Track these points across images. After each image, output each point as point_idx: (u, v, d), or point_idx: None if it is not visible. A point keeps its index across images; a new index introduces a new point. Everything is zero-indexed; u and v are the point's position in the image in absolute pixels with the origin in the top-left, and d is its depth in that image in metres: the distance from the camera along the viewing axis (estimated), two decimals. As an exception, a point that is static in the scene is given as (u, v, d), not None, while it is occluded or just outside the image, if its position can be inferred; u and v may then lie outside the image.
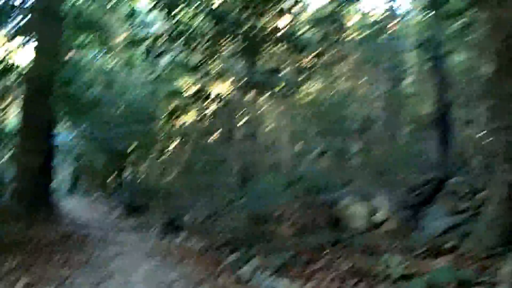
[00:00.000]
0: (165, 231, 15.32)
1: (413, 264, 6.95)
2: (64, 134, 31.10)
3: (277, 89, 17.20)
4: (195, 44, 15.64)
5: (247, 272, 8.46)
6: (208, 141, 27.65)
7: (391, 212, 10.08)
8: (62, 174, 37.02)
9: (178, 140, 25.98)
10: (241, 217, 11.87)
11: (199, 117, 25.82)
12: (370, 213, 10.04)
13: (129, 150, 26.34)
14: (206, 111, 24.27)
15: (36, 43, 14.04)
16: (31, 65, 13.56)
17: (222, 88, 21.28)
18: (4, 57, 14.19)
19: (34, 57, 13.60)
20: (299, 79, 18.74)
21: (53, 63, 13.57)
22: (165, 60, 25.88)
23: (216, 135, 25.97)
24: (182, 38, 14.70)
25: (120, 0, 22.69)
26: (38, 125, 12.99)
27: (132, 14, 17.82)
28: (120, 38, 26.64)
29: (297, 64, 16.34)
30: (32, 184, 12.71)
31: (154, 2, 14.74)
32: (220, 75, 18.42)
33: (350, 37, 21.70)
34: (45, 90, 13.21)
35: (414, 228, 9.61)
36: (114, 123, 25.23)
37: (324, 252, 8.50)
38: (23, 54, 15.45)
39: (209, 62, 16.02)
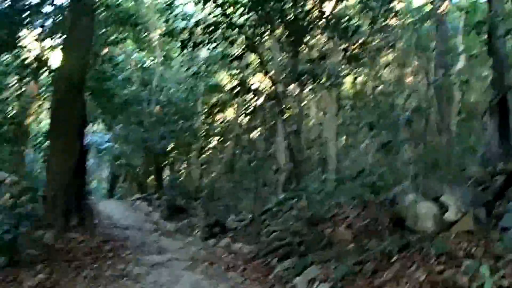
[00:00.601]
0: (208, 234, 14.47)
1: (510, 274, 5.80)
2: (101, 134, 30.85)
3: (322, 79, 16.12)
4: (234, 35, 14.73)
5: (303, 283, 7.47)
6: (251, 137, 26.81)
7: (462, 210, 8.90)
8: (100, 176, 36.82)
9: (219, 138, 25.12)
10: (292, 219, 10.80)
11: (240, 113, 25.05)
12: (439, 212, 8.88)
13: (168, 149, 25.62)
14: (248, 106, 23.41)
15: (66, 40, 13.33)
16: (61, 63, 12.79)
17: (263, 81, 20.39)
18: (38, 56, 13.60)
19: (64, 53, 12.86)
20: (345, 68, 17.67)
21: (84, 59, 12.79)
22: (203, 53, 25.21)
23: (258, 131, 25.07)
24: (221, 29, 13.76)
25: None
26: (69, 125, 12.23)
27: (169, 6, 16.97)
28: (157, 32, 26.09)
29: (343, 53, 15.16)
30: (64, 188, 11.94)
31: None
32: (262, 67, 17.44)
33: (398, 22, 20.44)
34: (76, 88, 12.45)
35: (493, 228, 8.42)
36: (151, 121, 24.61)
37: (393, 259, 7.40)
38: (57, 52, 15.01)
39: (250, 53, 15.02)
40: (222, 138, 25.54)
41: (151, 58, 28.36)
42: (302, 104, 18.10)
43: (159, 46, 27.03)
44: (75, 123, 12.60)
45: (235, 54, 14.53)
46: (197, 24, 13.99)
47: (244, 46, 14.44)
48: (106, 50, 22.12)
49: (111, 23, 17.92)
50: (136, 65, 27.85)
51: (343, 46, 16.49)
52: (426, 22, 19.87)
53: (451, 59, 20.75)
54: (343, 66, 16.07)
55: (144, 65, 28.00)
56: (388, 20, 17.97)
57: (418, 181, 11.35)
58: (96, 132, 32.47)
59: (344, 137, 23.57)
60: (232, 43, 14.12)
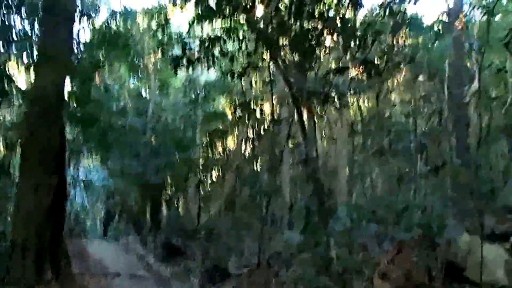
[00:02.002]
0: (207, 281, 12.29)
1: None
2: (96, 170, 28.78)
3: (333, 100, 14.10)
4: (234, 52, 12.77)
5: None
6: (254, 168, 24.70)
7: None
8: (95, 215, 34.63)
9: (219, 170, 22.98)
10: (310, 268, 8.55)
11: (242, 141, 23.05)
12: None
13: (164, 183, 23.47)
14: (250, 134, 21.42)
15: (39, 55, 11.36)
16: (34, 82, 10.82)
17: (267, 106, 18.50)
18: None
19: (37, 71, 10.88)
20: (361, 85, 15.73)
21: (61, 78, 10.81)
22: (202, 78, 23.38)
23: (262, 161, 22.99)
24: (219, 45, 11.81)
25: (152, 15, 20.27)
26: (44, 155, 10.14)
27: (162, 25, 15.04)
28: (152, 57, 24.34)
29: (362, 66, 13.11)
30: (36, 233, 9.80)
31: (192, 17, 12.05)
32: (265, 90, 15.46)
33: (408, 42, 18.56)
34: (52, 111, 10.41)
35: None
36: (147, 153, 22.58)
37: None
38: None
39: (253, 70, 13.00)
40: (222, 170, 23.34)
41: (147, 85, 26.47)
42: (311, 130, 15.97)
43: (154, 72, 25.19)
44: (51, 153, 10.53)
45: (236, 72, 12.39)
46: (192, 37, 12.04)
47: (246, 62, 12.35)
48: (97, 78, 20.26)
49: (98, 45, 15.93)
50: (131, 94, 25.98)
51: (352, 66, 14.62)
52: (440, 40, 17.94)
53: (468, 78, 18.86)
54: (358, 82, 13.91)
55: (139, 93, 26.12)
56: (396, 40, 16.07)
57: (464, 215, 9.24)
58: (90, 167, 30.56)
59: (356, 165, 21.47)
60: (232, 60, 12.10)
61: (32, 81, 11.21)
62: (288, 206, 15.03)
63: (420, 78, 23.17)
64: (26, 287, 9.44)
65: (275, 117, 15.28)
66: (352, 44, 11.51)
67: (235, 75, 12.38)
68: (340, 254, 7.72)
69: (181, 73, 26.82)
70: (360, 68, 12.36)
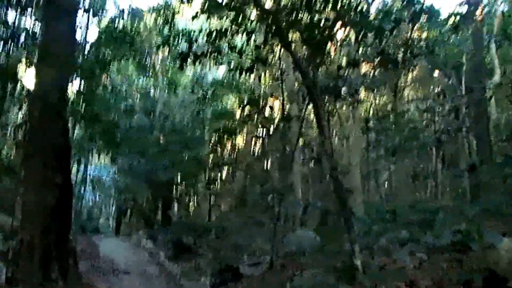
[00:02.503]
0: (218, 281, 11.88)
1: None
2: (106, 167, 28.59)
3: (346, 96, 13.64)
4: (243, 45, 12.27)
5: None
6: (263, 167, 24.29)
7: None
8: (108, 212, 34.46)
9: (228, 168, 22.61)
10: (333, 270, 7.92)
11: (252, 139, 22.71)
12: None
13: (174, 182, 23.13)
14: (260, 132, 21.03)
15: (40, 51, 11.01)
16: (36, 79, 10.47)
17: (277, 103, 18.09)
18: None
19: (38, 68, 10.53)
20: (368, 85, 15.24)
21: (64, 75, 10.46)
22: (210, 77, 23.03)
23: (273, 159, 22.57)
24: (227, 37, 11.31)
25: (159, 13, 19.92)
26: (47, 154, 9.80)
27: (168, 21, 14.65)
28: (159, 55, 24.04)
29: (378, 57, 12.51)
30: (42, 232, 9.48)
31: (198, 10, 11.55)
32: (275, 86, 15.01)
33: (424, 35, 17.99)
34: (54, 110, 10.05)
35: None
36: (155, 151, 22.25)
37: None
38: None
39: (262, 65, 12.51)
40: (232, 168, 22.96)
41: (154, 84, 26.14)
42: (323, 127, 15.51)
43: (161, 70, 24.88)
44: (54, 151, 10.18)
45: (245, 67, 11.88)
46: (199, 31, 11.55)
47: (254, 57, 11.84)
48: (104, 77, 19.98)
49: (105, 43, 15.58)
50: (139, 93, 25.69)
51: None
52: (457, 32, 17.31)
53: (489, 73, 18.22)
54: (372, 77, 13.41)
55: (147, 92, 25.79)
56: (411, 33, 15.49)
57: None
58: (100, 165, 30.35)
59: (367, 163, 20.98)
60: (240, 53, 11.62)
61: (35, 79, 10.83)
62: (303, 206, 14.49)
63: (435, 73, 22.67)
64: (33, 287, 9.15)
65: (286, 114, 14.78)
66: (369, 35, 10.94)
67: (244, 71, 11.87)
68: (365, 262, 7.13)
69: (189, 72, 26.66)
70: (375, 61, 11.82)
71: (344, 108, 17.38)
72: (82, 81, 14.40)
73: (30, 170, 10.06)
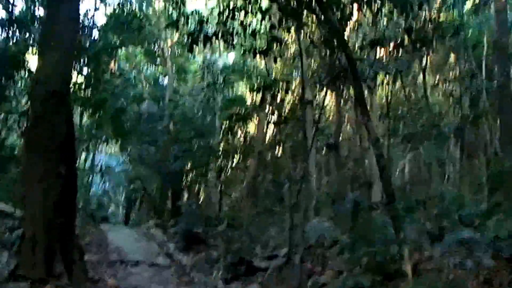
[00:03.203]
0: (231, 275, 11.19)
1: None
2: (115, 156, 27.96)
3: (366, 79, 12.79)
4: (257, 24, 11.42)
5: None
6: (275, 154, 23.56)
7: None
8: (118, 200, 33.89)
9: (240, 156, 21.85)
10: (371, 272, 6.98)
11: (265, 126, 21.96)
12: None
13: (184, 170, 22.41)
14: (273, 118, 20.24)
15: (42, 36, 10.28)
16: (38, 65, 9.75)
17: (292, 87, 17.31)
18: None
19: (41, 53, 9.81)
20: (388, 69, 14.38)
21: (67, 60, 9.73)
22: (220, 63, 22.27)
23: (285, 146, 21.82)
24: (239, 16, 10.46)
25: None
26: (50, 144, 9.11)
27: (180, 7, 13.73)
28: (170, 42, 23.29)
29: (406, 34, 11.56)
30: (45, 226, 8.81)
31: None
32: (290, 70, 14.16)
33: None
34: (58, 97, 9.36)
35: None
36: (165, 140, 21.55)
37: None
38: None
39: (277, 46, 11.58)
40: (243, 156, 22.18)
41: (164, 72, 25.39)
42: (338, 113, 14.76)
43: (171, 57, 24.12)
44: (57, 141, 9.47)
45: (259, 48, 11.04)
46: (211, 12, 10.76)
47: (270, 37, 10.97)
48: (112, 65, 19.22)
49: (112, 28, 14.78)
50: (148, 81, 24.98)
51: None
52: (478, 14, 16.34)
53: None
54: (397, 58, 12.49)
55: (156, 79, 25.06)
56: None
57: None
58: (110, 154, 29.78)
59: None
60: (254, 34, 10.80)
61: (37, 64, 10.13)
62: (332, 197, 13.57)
63: (452, 58, 21.72)
64: (36, 282, 8.51)
65: (304, 98, 13.92)
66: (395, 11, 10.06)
67: (258, 52, 11.04)
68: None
69: (198, 58, 25.90)
70: (399, 41, 10.97)
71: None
72: (88, 67, 13.59)
73: (32, 160, 9.38)
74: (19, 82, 12.45)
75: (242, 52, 11.29)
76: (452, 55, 21.20)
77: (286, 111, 19.17)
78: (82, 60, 13.17)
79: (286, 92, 13.42)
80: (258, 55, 11.64)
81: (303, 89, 13.48)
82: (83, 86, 13.40)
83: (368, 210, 6.01)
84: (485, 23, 16.90)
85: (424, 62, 19.09)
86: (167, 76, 24.92)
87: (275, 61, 12.24)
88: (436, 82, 22.22)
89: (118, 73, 18.94)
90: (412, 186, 21.57)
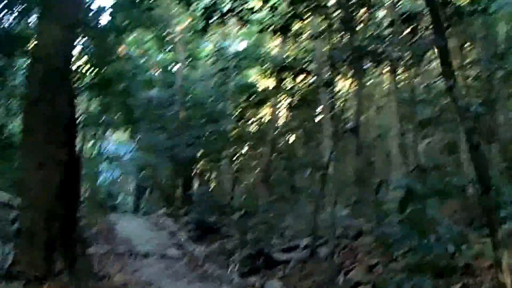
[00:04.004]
0: (248, 268, 10.16)
1: None
2: (125, 143, 26.96)
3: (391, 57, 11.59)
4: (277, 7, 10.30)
5: None
6: (287, 140, 22.47)
7: None
8: (127, 189, 32.94)
9: (253, 142, 20.77)
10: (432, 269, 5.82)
11: (277, 112, 20.89)
12: None
13: (195, 157, 21.34)
14: (287, 102, 19.15)
15: (42, 8, 9.16)
16: (37, 40, 8.73)
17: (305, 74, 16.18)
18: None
19: (41, 27, 8.74)
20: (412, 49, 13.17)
21: (70, 35, 8.68)
22: (232, 49, 21.18)
23: (299, 132, 20.75)
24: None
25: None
26: (50, 127, 8.07)
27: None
28: (181, 27, 22.21)
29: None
30: (45, 218, 7.82)
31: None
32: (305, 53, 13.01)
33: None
34: (59, 75, 8.32)
35: None
36: (175, 126, 20.51)
37: None
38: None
39: (298, 22, 10.49)
40: (257, 143, 21.06)
41: (174, 58, 24.30)
42: (358, 96, 13.61)
43: (181, 43, 23.04)
44: (58, 124, 8.43)
45: (279, 24, 9.93)
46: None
47: (290, 14, 9.86)
48: (121, 49, 18.12)
49: (120, 8, 13.60)
50: (158, 66, 23.91)
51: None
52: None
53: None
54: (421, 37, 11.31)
55: (167, 65, 23.98)
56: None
57: None
58: (120, 141, 28.83)
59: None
60: (273, 9, 9.70)
61: (36, 40, 9.05)
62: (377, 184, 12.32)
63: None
64: (34, 280, 7.54)
65: (323, 80, 12.80)
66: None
67: (277, 30, 9.94)
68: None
69: (209, 44, 24.81)
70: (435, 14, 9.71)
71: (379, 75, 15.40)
72: (94, 47, 12.49)
73: (31, 146, 8.34)
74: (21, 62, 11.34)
75: (259, 30, 10.14)
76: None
77: (301, 95, 18.05)
78: (87, 39, 12.07)
79: (306, 71, 12.17)
80: (275, 34, 10.61)
81: (319, 72, 12.40)
82: (87, 66, 12.26)
83: (423, 199, 4.99)
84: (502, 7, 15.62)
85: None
86: (177, 62, 23.81)
87: (295, 39, 11.06)
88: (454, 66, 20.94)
89: (127, 57, 17.77)
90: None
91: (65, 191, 8.30)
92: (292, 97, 18.68)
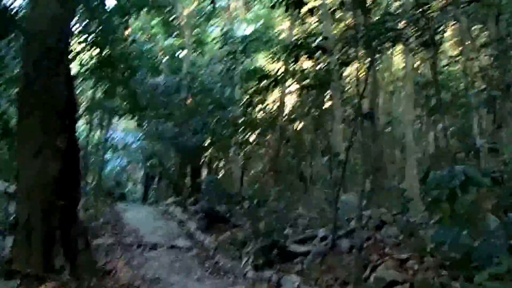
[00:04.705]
0: (263, 260, 9.33)
1: None
2: (133, 133, 26.10)
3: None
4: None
5: None
6: (295, 128, 21.56)
7: None
8: (136, 178, 32.19)
9: (261, 129, 19.85)
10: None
11: (286, 99, 19.98)
12: None
13: (203, 145, 20.43)
14: (297, 87, 18.17)
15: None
16: (31, 18, 7.87)
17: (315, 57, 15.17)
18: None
19: (34, 4, 7.84)
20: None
21: (66, 12, 7.82)
22: (240, 31, 20.19)
23: (308, 119, 19.81)
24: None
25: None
26: (46, 112, 7.23)
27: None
28: (187, 11, 21.32)
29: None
30: (42, 211, 7.04)
31: None
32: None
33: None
34: (54, 56, 7.46)
35: None
36: (182, 112, 19.61)
37: None
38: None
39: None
40: (264, 130, 20.10)
41: (180, 45, 23.38)
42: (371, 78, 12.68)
43: (188, 27, 22.13)
44: (55, 108, 7.62)
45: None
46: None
47: None
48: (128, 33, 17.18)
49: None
50: (165, 52, 22.98)
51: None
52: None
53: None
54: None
55: (173, 51, 23.05)
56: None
57: None
58: (127, 128, 28.02)
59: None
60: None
61: (30, 18, 8.17)
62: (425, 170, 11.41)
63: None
64: (32, 278, 6.79)
65: (334, 61, 11.83)
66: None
67: (290, 4, 9.02)
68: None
69: (216, 29, 23.91)
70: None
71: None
72: (97, 27, 11.54)
73: (26, 132, 7.54)
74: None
75: (271, 4, 9.22)
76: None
77: (311, 79, 17.11)
78: (88, 20, 11.15)
79: (323, 50, 11.24)
80: (287, 10, 9.66)
81: (331, 53, 11.46)
82: (85, 43, 11.31)
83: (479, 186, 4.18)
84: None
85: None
86: (184, 47, 22.88)
87: (311, 13, 10.10)
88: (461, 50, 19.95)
89: (132, 41, 16.76)
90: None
91: (64, 181, 7.50)
92: (302, 81, 17.73)
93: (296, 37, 17.60)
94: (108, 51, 10.90)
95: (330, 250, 8.22)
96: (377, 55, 12.70)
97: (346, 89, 19.73)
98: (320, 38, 11.74)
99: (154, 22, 23.52)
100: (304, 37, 10.02)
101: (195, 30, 23.13)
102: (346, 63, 10.49)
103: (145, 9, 14.90)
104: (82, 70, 13.11)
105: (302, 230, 11.47)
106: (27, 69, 7.66)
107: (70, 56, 9.31)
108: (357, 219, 7.56)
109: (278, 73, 14.99)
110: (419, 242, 6.77)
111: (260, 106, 20.27)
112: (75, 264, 7.38)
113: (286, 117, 20.87)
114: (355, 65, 12.89)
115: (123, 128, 28.35)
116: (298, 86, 18.99)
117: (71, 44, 9.68)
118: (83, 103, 19.31)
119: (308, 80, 14.50)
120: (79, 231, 7.79)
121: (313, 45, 10.40)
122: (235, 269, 9.81)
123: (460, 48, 20.06)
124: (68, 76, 7.93)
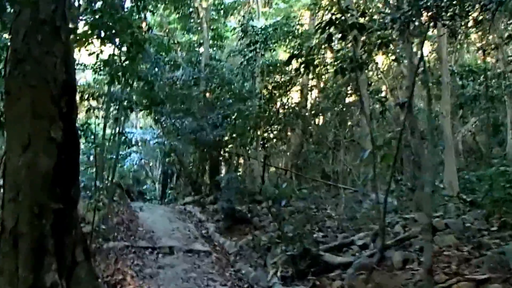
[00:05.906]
0: (294, 270, 7.83)
1: None
2: (151, 130, 24.77)
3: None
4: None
5: None
6: (317, 122, 20.10)
7: None
8: (154, 176, 30.90)
9: (283, 124, 18.34)
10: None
11: (307, 93, 18.55)
12: None
13: (223, 141, 19.04)
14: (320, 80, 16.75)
15: None
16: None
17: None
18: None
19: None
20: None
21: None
22: (260, 23, 18.79)
23: (333, 112, 18.30)
24: None
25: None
26: (40, 95, 5.77)
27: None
28: (205, 4, 19.97)
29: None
30: (34, 210, 5.55)
31: None
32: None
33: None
34: (50, 30, 6.04)
35: None
36: (201, 106, 18.24)
37: None
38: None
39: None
40: (288, 125, 18.57)
41: (198, 39, 22.10)
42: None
43: (206, 19, 20.75)
44: (49, 92, 6.13)
45: None
46: None
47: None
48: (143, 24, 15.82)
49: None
50: (182, 47, 21.70)
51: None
52: None
53: None
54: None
55: (191, 45, 21.79)
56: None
57: None
58: (144, 124, 26.85)
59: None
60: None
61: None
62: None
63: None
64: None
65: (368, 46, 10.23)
66: None
67: None
68: None
69: (234, 23, 22.56)
70: None
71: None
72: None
73: (14, 121, 6.08)
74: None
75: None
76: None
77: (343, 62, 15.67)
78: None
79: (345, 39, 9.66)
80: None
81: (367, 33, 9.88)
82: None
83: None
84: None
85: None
86: (202, 40, 21.55)
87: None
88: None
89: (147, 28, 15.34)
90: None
91: (59, 178, 6.03)
92: (326, 72, 16.27)
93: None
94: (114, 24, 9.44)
95: (377, 264, 6.64)
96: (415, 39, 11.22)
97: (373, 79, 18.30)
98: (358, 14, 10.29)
99: (172, 16, 22.43)
100: (339, 12, 8.38)
101: (214, 24, 21.86)
102: (387, 44, 8.87)
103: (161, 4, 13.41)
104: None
105: (334, 235, 9.94)
106: (15, 45, 6.20)
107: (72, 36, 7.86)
108: (381, 229, 5.97)
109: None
110: (496, 257, 5.24)
111: (281, 100, 18.87)
112: (71, 279, 5.91)
113: (308, 112, 19.39)
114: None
115: (142, 125, 27.23)
116: (323, 76, 17.62)
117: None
118: (100, 98, 18.09)
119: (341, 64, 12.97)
120: (77, 239, 6.31)
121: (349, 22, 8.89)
122: (260, 279, 8.32)
123: (490, 37, 18.45)
124: (66, 54, 6.45)
